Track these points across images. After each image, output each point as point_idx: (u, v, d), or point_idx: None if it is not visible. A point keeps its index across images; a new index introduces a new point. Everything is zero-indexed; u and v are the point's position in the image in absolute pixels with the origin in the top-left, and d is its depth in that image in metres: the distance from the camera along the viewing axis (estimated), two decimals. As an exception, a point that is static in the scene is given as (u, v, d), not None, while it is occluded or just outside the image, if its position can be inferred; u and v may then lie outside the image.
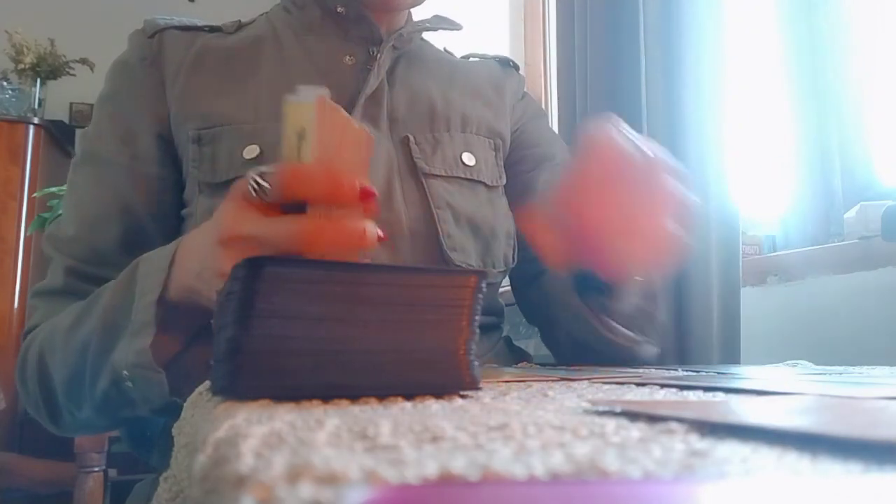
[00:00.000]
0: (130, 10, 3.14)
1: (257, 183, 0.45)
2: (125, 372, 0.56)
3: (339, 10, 0.77)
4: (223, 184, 0.71)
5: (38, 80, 3.12)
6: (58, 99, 3.31)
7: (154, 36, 0.78)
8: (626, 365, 0.69)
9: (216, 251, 0.49)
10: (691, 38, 1.12)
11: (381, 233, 0.46)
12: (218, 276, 0.47)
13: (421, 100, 0.79)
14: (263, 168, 0.46)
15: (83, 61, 3.11)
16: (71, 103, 3.40)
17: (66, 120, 3.35)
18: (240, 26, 0.83)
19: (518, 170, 0.85)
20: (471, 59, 0.92)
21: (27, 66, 3.05)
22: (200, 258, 0.52)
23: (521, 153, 0.86)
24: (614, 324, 0.64)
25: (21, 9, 3.35)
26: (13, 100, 3.04)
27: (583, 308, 0.66)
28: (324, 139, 0.44)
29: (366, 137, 0.48)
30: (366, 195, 0.45)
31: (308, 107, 0.44)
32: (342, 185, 0.44)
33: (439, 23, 0.83)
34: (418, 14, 0.84)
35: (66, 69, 3.14)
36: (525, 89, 0.94)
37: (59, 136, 3.12)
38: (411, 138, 0.76)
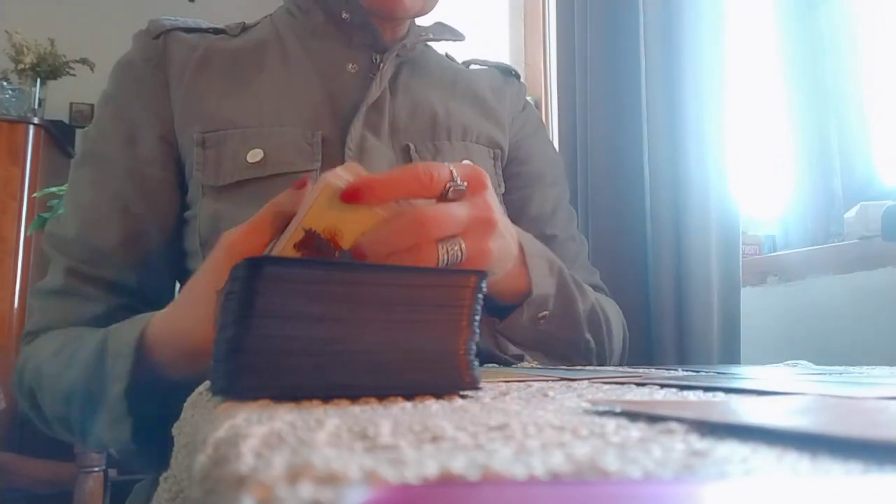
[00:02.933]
0: (130, 10, 3.15)
1: None
2: (113, 447, 0.57)
3: (343, 16, 0.77)
4: (227, 187, 0.71)
5: (38, 80, 3.12)
6: (58, 99, 3.31)
7: (159, 37, 0.78)
8: None
9: None
10: (691, 38, 1.12)
11: None
12: None
13: (422, 109, 0.79)
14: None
15: (83, 61, 3.11)
16: (71, 103, 3.40)
17: (66, 120, 3.35)
18: (244, 28, 0.83)
19: (512, 185, 0.85)
20: (472, 65, 0.92)
21: (27, 66, 3.05)
22: None
23: (516, 168, 0.86)
24: (505, 341, 0.64)
25: (21, 9, 3.36)
26: (13, 100, 3.03)
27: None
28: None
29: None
30: None
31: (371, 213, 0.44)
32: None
33: (442, 33, 0.83)
34: (421, 18, 0.84)
35: (66, 69, 3.14)
36: (528, 97, 0.94)
37: (59, 136, 3.12)
38: (412, 147, 0.76)
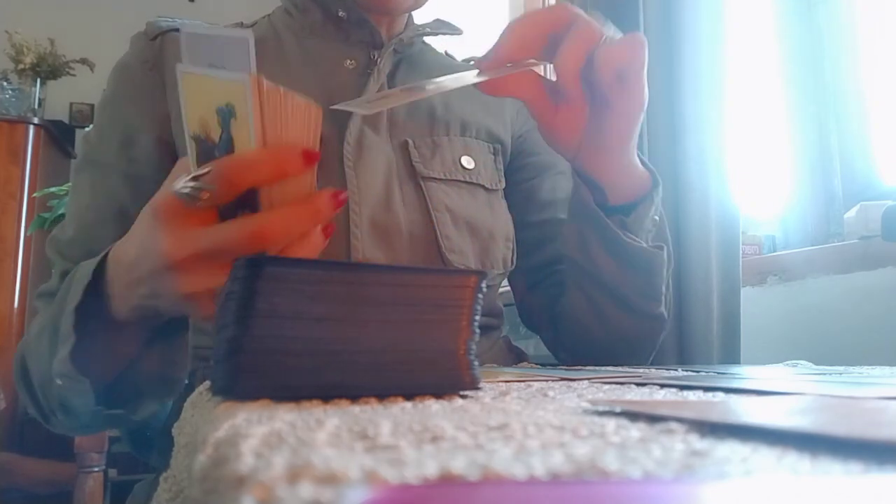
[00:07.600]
0: (130, 10, 3.15)
1: (193, 190, 0.42)
2: (58, 380, 0.56)
3: (339, 14, 0.77)
4: None
5: (38, 80, 3.13)
6: (58, 99, 3.32)
7: (156, 38, 0.78)
8: (637, 329, 0.71)
9: (170, 277, 0.46)
10: (691, 37, 1.12)
11: (341, 196, 0.44)
12: (182, 300, 0.46)
13: (420, 104, 0.79)
14: (192, 175, 0.43)
15: (83, 61, 3.12)
16: (71, 103, 3.40)
17: (66, 120, 3.36)
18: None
19: (520, 178, 0.85)
20: (471, 63, 0.92)
21: (27, 66, 3.05)
22: (152, 285, 0.49)
23: (522, 161, 0.86)
24: (633, 236, 0.65)
25: (21, 9, 3.36)
26: (13, 100, 3.04)
27: (605, 221, 0.65)
28: (264, 120, 0.41)
29: (313, 111, 0.44)
30: (309, 159, 0.42)
31: (237, 86, 0.40)
32: (287, 161, 0.41)
33: (440, 27, 0.83)
34: (420, 17, 0.84)
35: (66, 69, 3.14)
36: None
37: (59, 136, 3.13)
38: (410, 142, 0.76)
